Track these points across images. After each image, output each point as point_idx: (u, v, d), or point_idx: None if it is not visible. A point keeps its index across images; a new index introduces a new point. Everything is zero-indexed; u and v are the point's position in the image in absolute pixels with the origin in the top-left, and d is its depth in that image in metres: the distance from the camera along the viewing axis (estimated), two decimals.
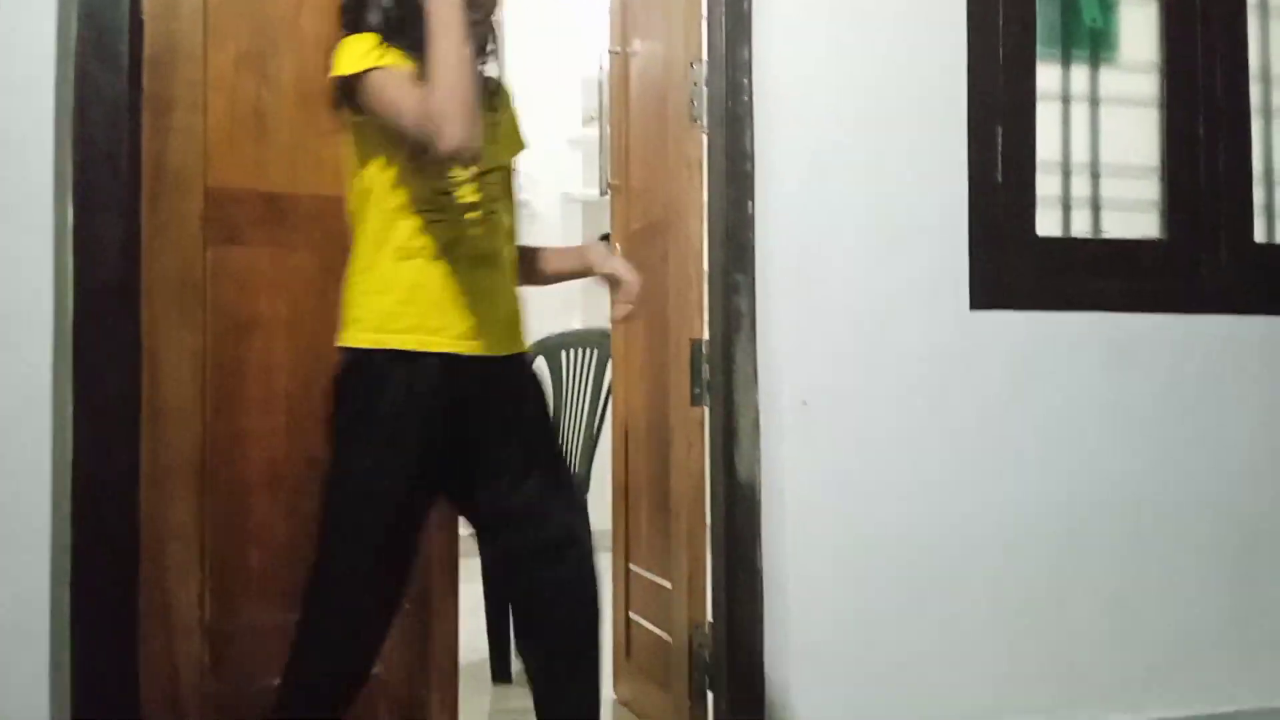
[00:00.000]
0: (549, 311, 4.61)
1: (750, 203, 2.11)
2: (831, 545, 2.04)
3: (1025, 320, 2.13)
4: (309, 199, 2.07)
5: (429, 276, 1.58)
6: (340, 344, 1.62)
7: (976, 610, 2.08)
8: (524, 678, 2.79)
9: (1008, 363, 2.11)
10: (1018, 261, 2.14)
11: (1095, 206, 2.25)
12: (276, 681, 1.66)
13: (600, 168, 2.69)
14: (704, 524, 2.19)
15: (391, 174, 1.58)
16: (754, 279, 2.11)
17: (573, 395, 3.31)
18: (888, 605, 2.04)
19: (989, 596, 2.09)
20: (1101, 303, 2.16)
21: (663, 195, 2.38)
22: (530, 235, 5.14)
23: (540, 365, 3.35)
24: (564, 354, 3.33)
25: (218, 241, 2.02)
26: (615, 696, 2.67)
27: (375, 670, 2.02)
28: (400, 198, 1.58)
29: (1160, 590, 2.16)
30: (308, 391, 2.04)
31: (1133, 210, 2.26)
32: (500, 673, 2.82)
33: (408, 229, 1.58)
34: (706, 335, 2.19)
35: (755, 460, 2.10)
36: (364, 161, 1.61)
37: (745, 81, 2.10)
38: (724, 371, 2.12)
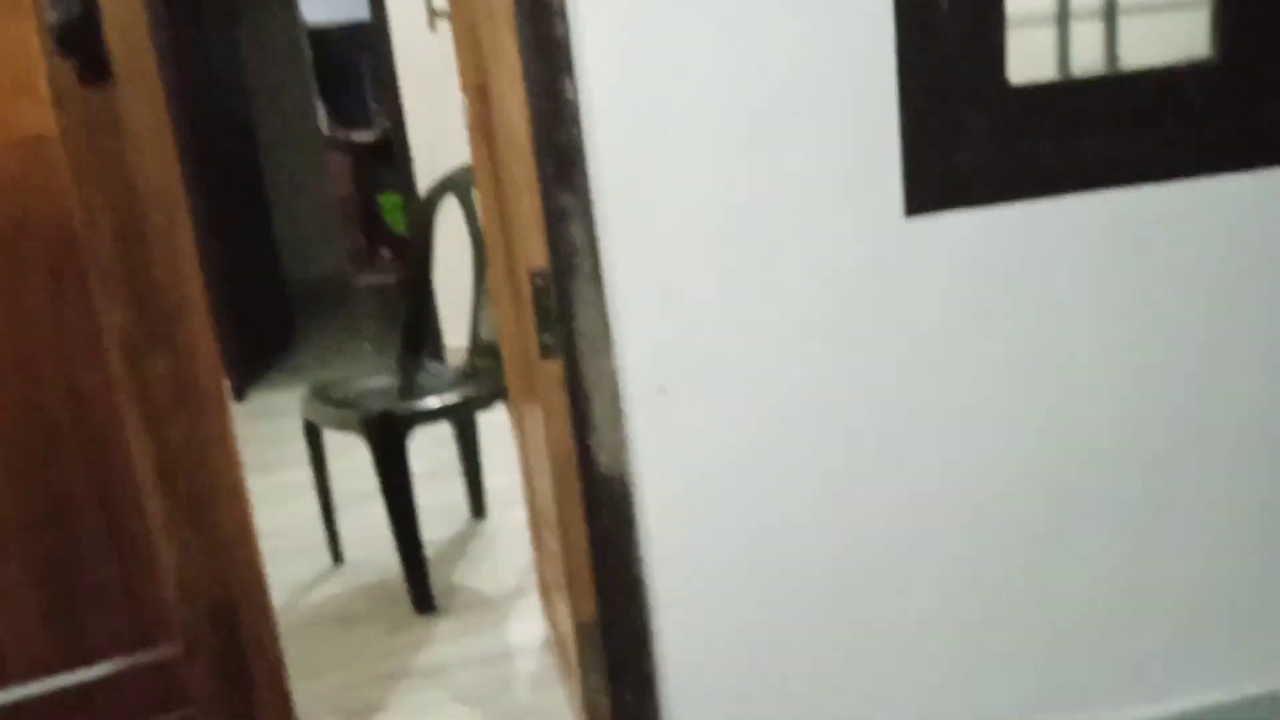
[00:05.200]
0: (450, 138, 3.89)
1: (569, 82, 1.39)
2: (727, 546, 1.49)
3: (990, 221, 1.41)
4: None
5: None
6: None
7: (927, 609, 1.54)
8: (456, 606, 2.48)
9: (961, 279, 1.43)
10: (979, 132, 1.38)
11: (1110, 18, 1.44)
12: None
13: None
14: (579, 512, 1.65)
15: None
16: (588, 200, 1.43)
17: None
18: (802, 613, 1.52)
19: (941, 589, 1.54)
20: (1118, 173, 1.41)
21: (484, 49, 1.66)
22: None
23: (452, 205, 2.73)
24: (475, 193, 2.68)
25: None
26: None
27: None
28: None
29: (1183, 552, 1.57)
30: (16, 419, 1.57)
31: (1169, 10, 1.45)
32: (422, 601, 2.43)
33: None
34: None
35: (619, 445, 1.51)
36: None
37: None
38: (566, 328, 1.50)
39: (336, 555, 2.74)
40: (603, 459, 1.53)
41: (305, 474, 2.79)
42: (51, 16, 1.47)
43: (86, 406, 1.58)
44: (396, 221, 5.38)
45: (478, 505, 2.93)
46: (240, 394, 4.45)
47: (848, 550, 1.50)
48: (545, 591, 2.16)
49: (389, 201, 5.59)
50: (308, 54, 7.34)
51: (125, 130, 1.52)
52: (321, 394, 2.57)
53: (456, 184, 2.71)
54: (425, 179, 4.23)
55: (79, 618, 1.67)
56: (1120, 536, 1.55)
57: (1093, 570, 1.55)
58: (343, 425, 2.43)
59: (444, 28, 3.87)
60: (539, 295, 1.59)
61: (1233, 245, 1.45)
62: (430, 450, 3.06)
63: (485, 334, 2.77)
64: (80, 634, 1.67)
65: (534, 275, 1.58)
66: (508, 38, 1.50)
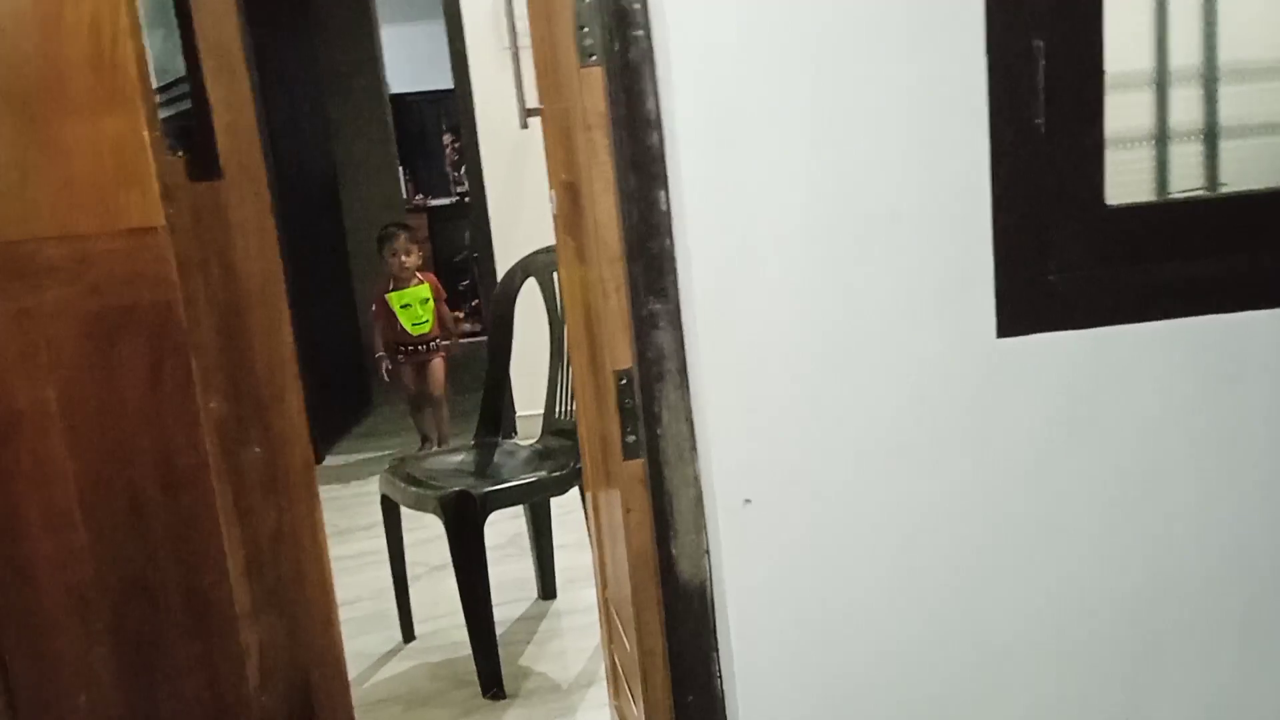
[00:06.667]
0: (534, 219, 3.95)
1: (663, 194, 1.41)
2: (810, 665, 1.47)
3: (1085, 344, 1.39)
4: (54, 242, 1.51)
5: None
6: None
7: None
8: (524, 692, 2.47)
9: (1052, 401, 1.40)
10: (1075, 254, 1.37)
11: (1210, 140, 1.43)
12: None
13: (518, 94, 1.98)
14: (657, 618, 1.64)
15: None
16: (678, 306, 1.44)
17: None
18: None
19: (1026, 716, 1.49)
20: (1218, 298, 1.39)
21: (576, 150, 1.69)
22: None
23: (530, 288, 2.77)
24: (556, 276, 2.72)
25: None
26: None
27: None
28: None
29: None
30: (109, 499, 1.60)
31: (1272, 133, 1.43)
32: (490, 684, 2.42)
33: None
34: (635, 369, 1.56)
35: (700, 553, 1.51)
36: None
37: (637, 6, 1.36)
38: (650, 431, 1.50)
39: (407, 631, 2.75)
40: (684, 566, 1.52)
41: (379, 541, 2.81)
42: (165, 112, 1.54)
43: (179, 488, 1.62)
44: (411, 323, 4.62)
45: (547, 586, 2.93)
46: (318, 456, 4.52)
47: (933, 673, 1.47)
48: (616, 685, 2.14)
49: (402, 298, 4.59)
50: (391, 121, 7.55)
51: (231, 225, 1.58)
52: (399, 471, 2.60)
53: (536, 266, 2.76)
54: (501, 244, 4.29)
55: (156, 696, 1.69)
56: (1213, 673, 1.49)
57: (1184, 708, 1.50)
58: (420, 505, 2.45)
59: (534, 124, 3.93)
60: (623, 395, 1.60)
61: None
62: (500, 523, 3.07)
63: (559, 412, 2.79)
64: (156, 713, 1.69)
65: (619, 375, 1.60)
66: (601, 144, 1.52)
